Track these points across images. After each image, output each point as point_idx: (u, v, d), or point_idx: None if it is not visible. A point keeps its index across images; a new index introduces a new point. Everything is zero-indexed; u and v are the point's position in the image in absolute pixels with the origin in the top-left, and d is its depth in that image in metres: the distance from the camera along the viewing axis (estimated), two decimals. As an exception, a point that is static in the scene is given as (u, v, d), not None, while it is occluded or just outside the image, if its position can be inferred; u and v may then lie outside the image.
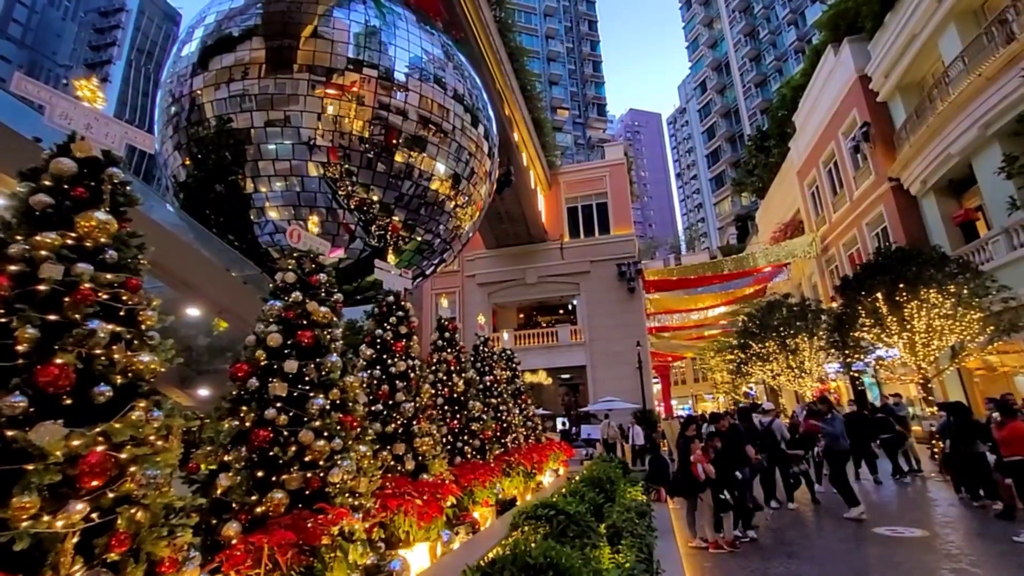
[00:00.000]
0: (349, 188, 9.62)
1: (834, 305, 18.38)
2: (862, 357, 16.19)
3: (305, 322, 3.59)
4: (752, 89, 62.16)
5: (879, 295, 14.30)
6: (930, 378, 14.39)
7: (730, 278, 30.02)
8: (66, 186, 2.34)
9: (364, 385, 4.79)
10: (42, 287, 2.07)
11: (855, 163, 22.21)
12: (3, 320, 1.97)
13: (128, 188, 2.60)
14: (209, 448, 3.14)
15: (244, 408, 3.20)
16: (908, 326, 13.77)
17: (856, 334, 15.48)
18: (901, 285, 13.78)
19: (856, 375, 20.59)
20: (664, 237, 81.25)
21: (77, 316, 2.10)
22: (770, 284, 31.83)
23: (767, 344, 20.06)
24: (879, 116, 20.34)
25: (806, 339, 18.96)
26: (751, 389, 31.61)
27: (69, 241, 2.24)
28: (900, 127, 19.07)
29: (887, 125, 20.10)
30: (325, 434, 3.22)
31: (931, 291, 13.25)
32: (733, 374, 25.49)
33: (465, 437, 6.47)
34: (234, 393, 3.29)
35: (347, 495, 3.20)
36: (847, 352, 16.49)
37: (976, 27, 15.72)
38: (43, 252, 2.14)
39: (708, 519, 6.79)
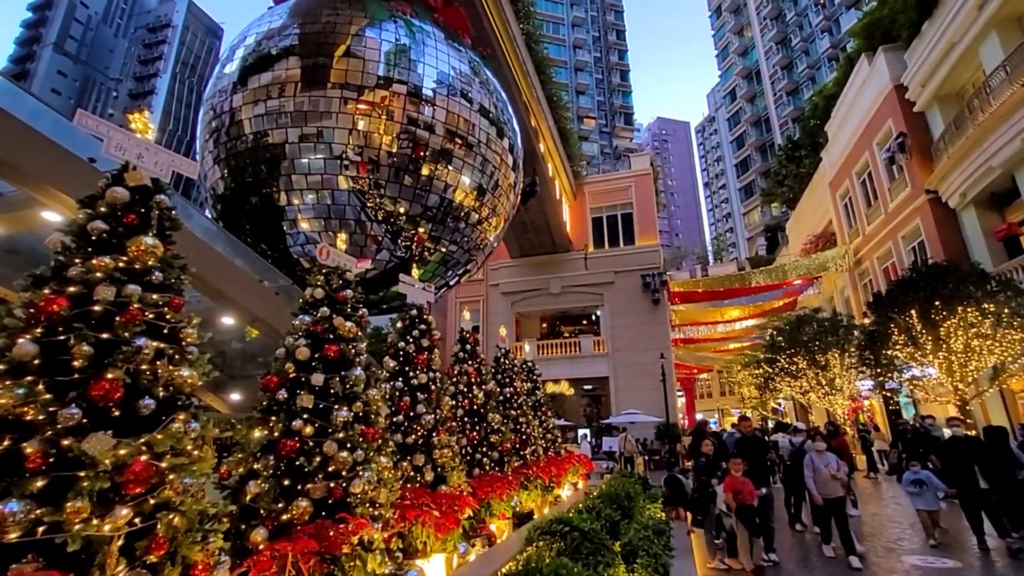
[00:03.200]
0: (377, 200, 9.90)
1: (866, 321, 17.84)
2: (895, 376, 15.65)
3: (332, 336, 3.76)
4: (783, 97, 61.08)
5: (913, 312, 13.85)
6: (968, 399, 13.83)
7: (758, 291, 29.43)
8: (119, 213, 2.55)
9: (386, 397, 4.94)
10: (96, 307, 2.27)
11: (890, 174, 21.61)
12: (62, 338, 2.17)
13: (173, 213, 2.81)
14: (240, 455, 3.32)
15: (273, 418, 3.37)
16: (944, 345, 13.28)
17: (889, 352, 15.00)
18: (937, 303, 13.32)
19: (888, 394, 19.89)
20: (691, 247, 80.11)
21: (126, 334, 2.29)
22: (800, 297, 31.07)
23: (796, 359, 19.57)
24: (915, 126, 19.78)
25: (837, 355, 18.43)
26: (779, 405, 30.80)
27: (121, 264, 2.44)
28: (938, 138, 18.50)
29: (924, 136, 19.52)
30: (348, 445, 3.37)
31: (969, 309, 12.76)
32: (761, 389, 24.93)
33: (484, 449, 6.56)
34: (264, 403, 3.47)
35: (367, 505, 3.33)
36: (879, 370, 15.96)
37: (1020, 35, 15.22)
38: (98, 275, 2.35)
39: (743, 541, 6.56)
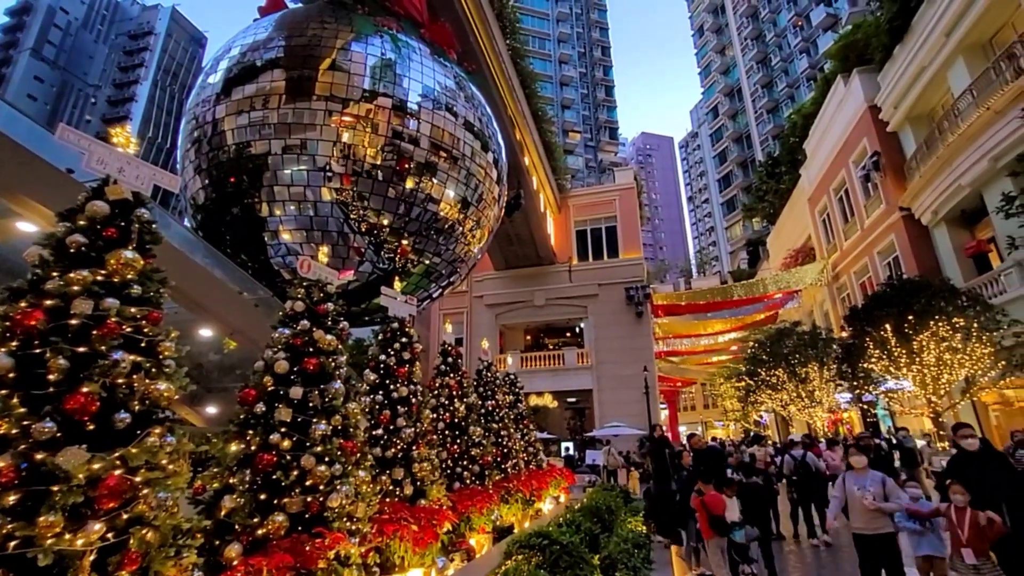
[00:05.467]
0: (361, 212, 9.91)
1: (844, 335, 18.23)
2: (872, 389, 15.99)
3: (311, 349, 3.76)
4: (764, 115, 62.49)
5: (888, 326, 14.20)
6: (941, 412, 14.16)
7: (740, 304, 29.86)
8: (99, 227, 2.56)
9: (366, 410, 4.93)
10: (73, 321, 2.27)
11: (866, 191, 22.23)
12: (38, 351, 2.17)
13: (154, 226, 2.82)
14: (215, 470, 3.29)
15: (250, 432, 3.36)
16: (917, 359, 13.62)
17: (866, 365, 15.33)
18: (910, 317, 13.68)
19: (866, 407, 20.28)
20: (675, 260, 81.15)
21: (103, 348, 2.29)
22: (781, 311, 31.58)
23: (776, 372, 19.86)
24: (889, 146, 20.42)
25: (816, 368, 18.76)
26: (762, 417, 31.13)
27: (99, 277, 2.45)
28: (910, 157, 19.11)
29: (897, 155, 20.16)
30: (326, 459, 3.36)
31: (940, 324, 13.13)
32: (743, 401, 25.19)
33: (464, 462, 6.56)
34: (241, 417, 3.45)
35: (345, 519, 3.33)
36: (856, 383, 16.29)
37: (984, 61, 15.86)
38: (76, 288, 2.35)
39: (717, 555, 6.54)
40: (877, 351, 14.62)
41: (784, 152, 35.33)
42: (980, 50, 16.37)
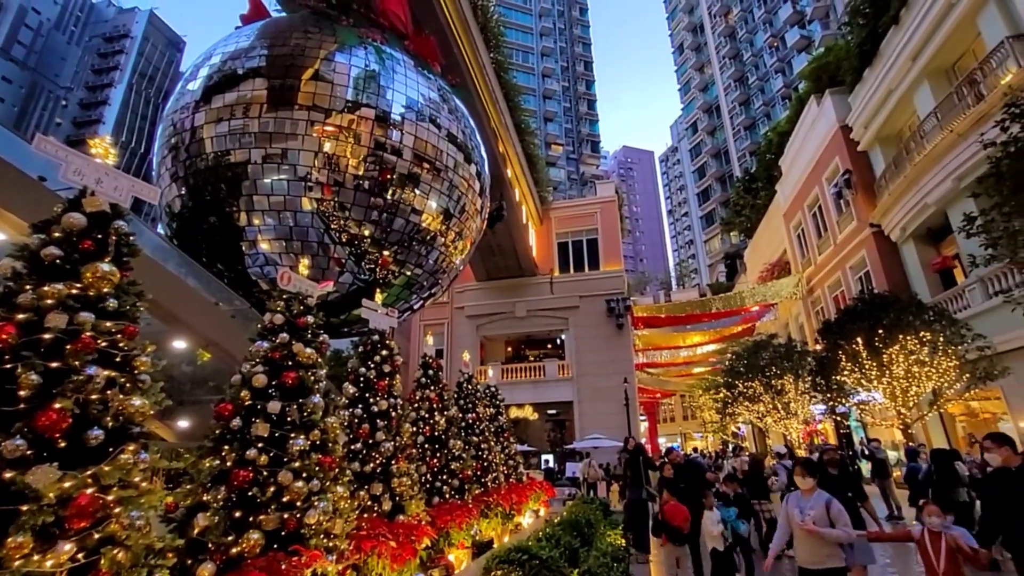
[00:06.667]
0: (342, 223, 9.86)
1: (818, 347, 18.65)
2: (844, 401, 16.36)
3: (290, 363, 3.72)
4: (741, 132, 64.09)
5: (859, 340, 14.59)
6: (910, 423, 14.55)
7: (718, 316, 30.34)
8: (75, 239, 2.52)
9: (345, 424, 4.88)
10: (47, 336, 2.22)
11: (838, 208, 22.89)
12: (9, 366, 2.12)
13: (132, 239, 2.79)
14: (188, 486, 3.22)
15: (226, 447, 3.29)
16: (887, 371, 14.01)
17: (838, 377, 15.69)
18: (880, 331, 14.08)
19: (839, 418, 20.71)
20: (655, 272, 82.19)
21: (77, 363, 2.25)
22: (759, 323, 32.17)
23: (753, 384, 20.16)
24: (860, 164, 21.11)
25: (791, 380, 19.09)
26: (740, 429, 31.48)
27: (74, 291, 2.40)
28: (880, 176, 19.77)
29: (868, 173, 20.85)
30: (304, 475, 3.32)
31: (908, 337, 13.54)
32: (720, 413, 25.45)
33: (444, 476, 6.50)
34: (217, 432, 3.38)
35: (322, 536, 3.28)
36: (829, 395, 16.66)
37: (948, 85, 16.57)
38: (49, 301, 2.31)
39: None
40: (849, 364, 14.99)
41: (760, 168, 36.23)
42: (944, 75, 17.10)
